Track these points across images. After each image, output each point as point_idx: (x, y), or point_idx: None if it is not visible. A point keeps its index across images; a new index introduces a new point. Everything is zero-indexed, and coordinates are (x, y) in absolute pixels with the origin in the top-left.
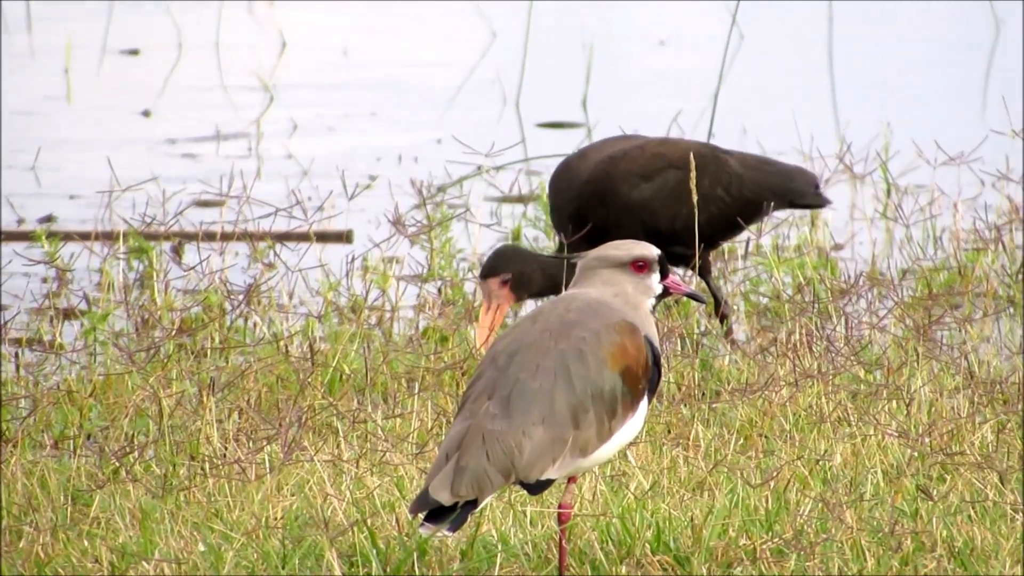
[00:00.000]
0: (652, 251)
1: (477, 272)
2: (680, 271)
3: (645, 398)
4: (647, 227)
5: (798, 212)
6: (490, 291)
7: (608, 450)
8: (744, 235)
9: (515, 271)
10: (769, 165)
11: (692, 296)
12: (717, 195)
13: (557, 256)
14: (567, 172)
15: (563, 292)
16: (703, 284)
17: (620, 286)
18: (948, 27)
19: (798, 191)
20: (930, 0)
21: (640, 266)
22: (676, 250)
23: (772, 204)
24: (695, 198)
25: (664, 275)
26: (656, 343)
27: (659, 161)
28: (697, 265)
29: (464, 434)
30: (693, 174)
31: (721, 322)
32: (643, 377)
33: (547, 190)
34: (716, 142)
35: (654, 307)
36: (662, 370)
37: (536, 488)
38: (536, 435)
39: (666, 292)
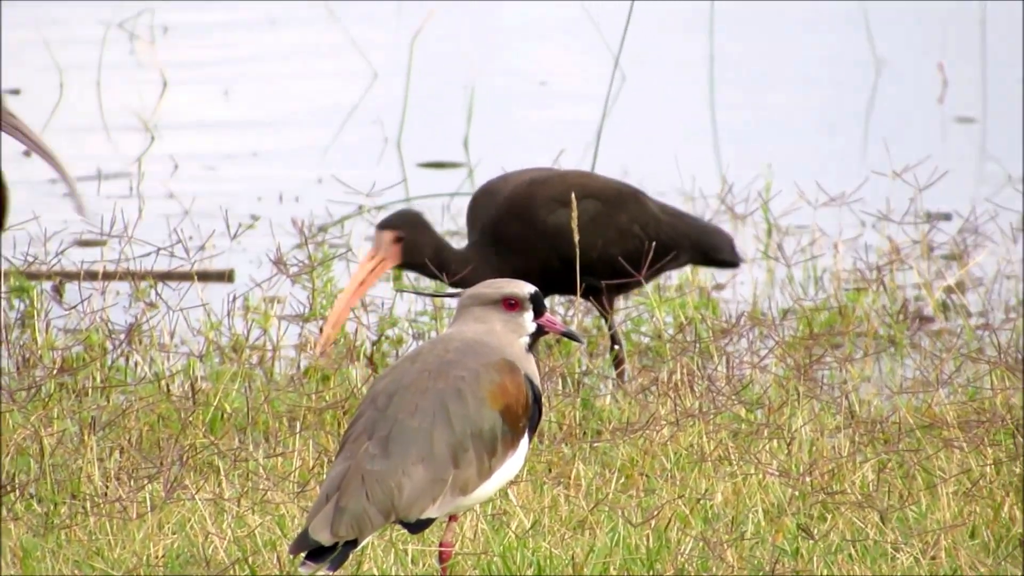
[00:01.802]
0: (524, 289)
1: (357, 312)
2: (562, 312)
3: (526, 436)
4: (560, 253)
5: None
6: (381, 242)
7: (489, 489)
8: (636, 287)
9: (412, 234)
10: (688, 218)
11: (568, 335)
12: (634, 232)
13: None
14: (488, 191)
15: (447, 285)
16: (600, 320)
17: (490, 324)
18: (829, 68)
19: (714, 245)
20: (812, 41)
21: (511, 304)
22: (588, 280)
23: (686, 254)
24: (576, 237)
25: (539, 313)
26: (536, 381)
27: (579, 190)
28: (602, 301)
29: (344, 474)
30: (575, 212)
31: (611, 355)
32: (523, 415)
33: (467, 209)
34: None
35: (531, 345)
36: (543, 408)
37: (416, 527)
38: (416, 475)
39: (541, 330)
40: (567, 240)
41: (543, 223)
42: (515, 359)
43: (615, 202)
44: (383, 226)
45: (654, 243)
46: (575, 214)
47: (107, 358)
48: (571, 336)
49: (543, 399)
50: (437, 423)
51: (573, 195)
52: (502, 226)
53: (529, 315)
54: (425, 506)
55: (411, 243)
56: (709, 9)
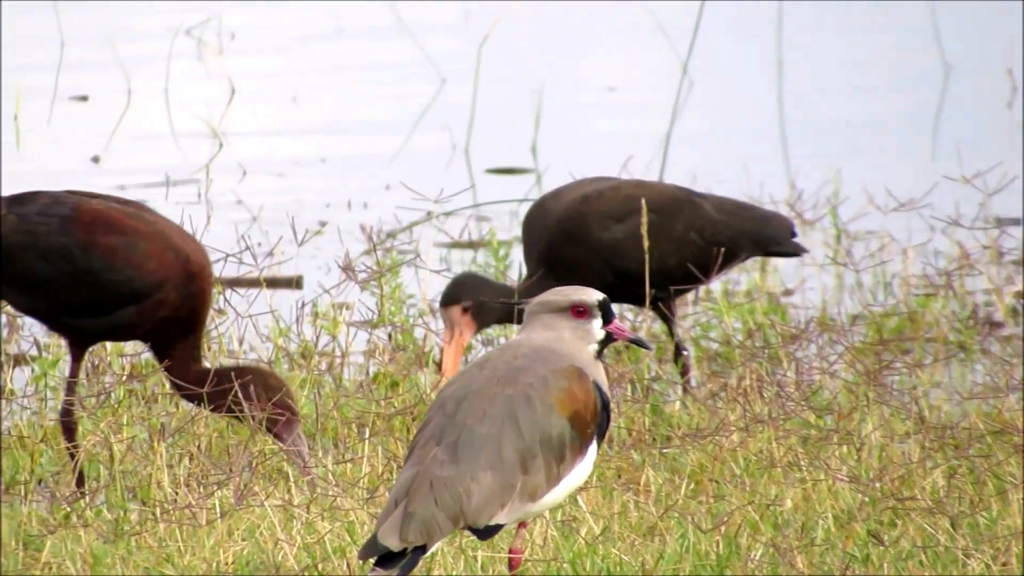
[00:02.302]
0: (593, 296)
1: (426, 318)
2: (631, 317)
3: (594, 443)
4: (616, 268)
5: (748, 260)
6: (452, 320)
7: (557, 495)
8: (698, 286)
9: (476, 299)
10: (745, 211)
11: (636, 342)
12: (691, 239)
13: (506, 303)
14: (540, 211)
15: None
16: (665, 327)
17: (559, 331)
18: (898, 73)
19: (773, 238)
20: (880, 46)
21: (580, 311)
22: (642, 292)
23: (745, 252)
24: (646, 243)
25: (607, 320)
26: (605, 388)
27: (632, 203)
28: (662, 308)
29: (413, 480)
30: (645, 217)
31: (676, 362)
32: (592, 422)
33: (522, 229)
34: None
35: (600, 352)
36: (611, 414)
37: (485, 533)
38: (484, 481)
39: (609, 337)
40: (623, 255)
41: (598, 241)
42: (584, 366)
43: (669, 211)
44: (447, 303)
45: (713, 247)
46: (645, 227)
47: None
48: (639, 343)
49: (612, 405)
50: (506, 429)
51: (644, 203)
52: (556, 250)
53: (598, 322)
54: (494, 512)
55: (479, 308)
56: (777, 15)
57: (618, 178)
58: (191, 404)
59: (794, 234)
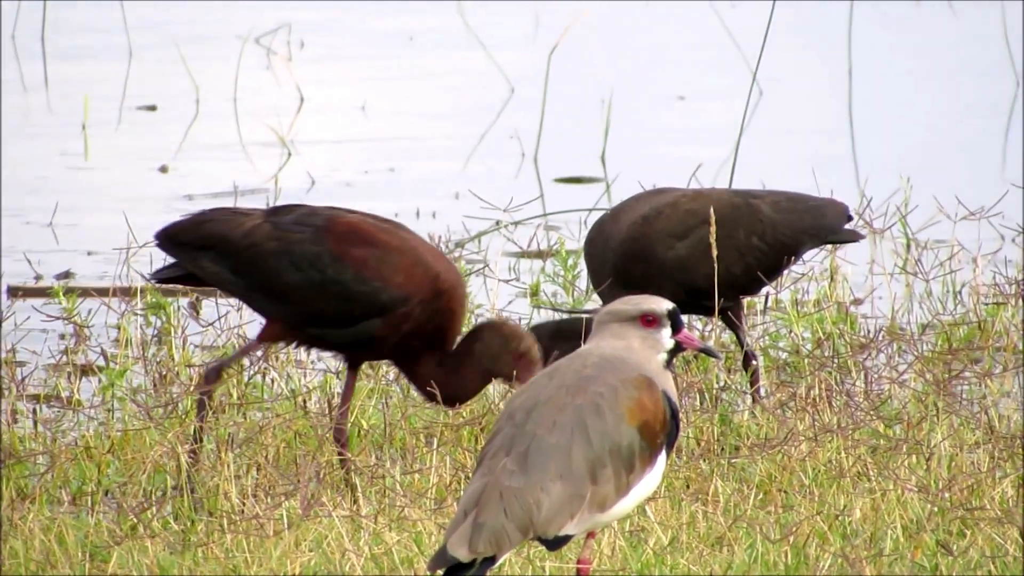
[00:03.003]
0: (662, 305)
1: None
2: (699, 326)
3: (663, 452)
4: (684, 285)
5: (817, 268)
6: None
7: (626, 505)
8: (765, 288)
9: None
10: (800, 203)
11: (706, 351)
12: (753, 245)
13: (576, 311)
14: (601, 235)
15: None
16: (734, 336)
17: (628, 340)
18: (968, 82)
19: (830, 227)
20: (951, 54)
21: (649, 320)
22: (711, 303)
23: (808, 246)
24: (715, 252)
25: (677, 329)
26: (674, 397)
27: (692, 218)
28: (730, 317)
29: (482, 491)
30: (713, 228)
31: (746, 370)
32: (661, 432)
33: (583, 254)
34: None
35: (669, 361)
36: (680, 424)
37: (555, 544)
38: (554, 491)
39: (679, 347)
40: (690, 272)
41: (663, 261)
42: (653, 375)
43: (730, 221)
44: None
45: (776, 249)
46: (714, 238)
47: (244, 375)
48: (709, 352)
49: (681, 415)
50: (575, 439)
51: (711, 214)
52: (622, 273)
53: (667, 331)
54: (563, 523)
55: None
56: (847, 23)
57: (672, 189)
58: (441, 405)
59: (850, 218)
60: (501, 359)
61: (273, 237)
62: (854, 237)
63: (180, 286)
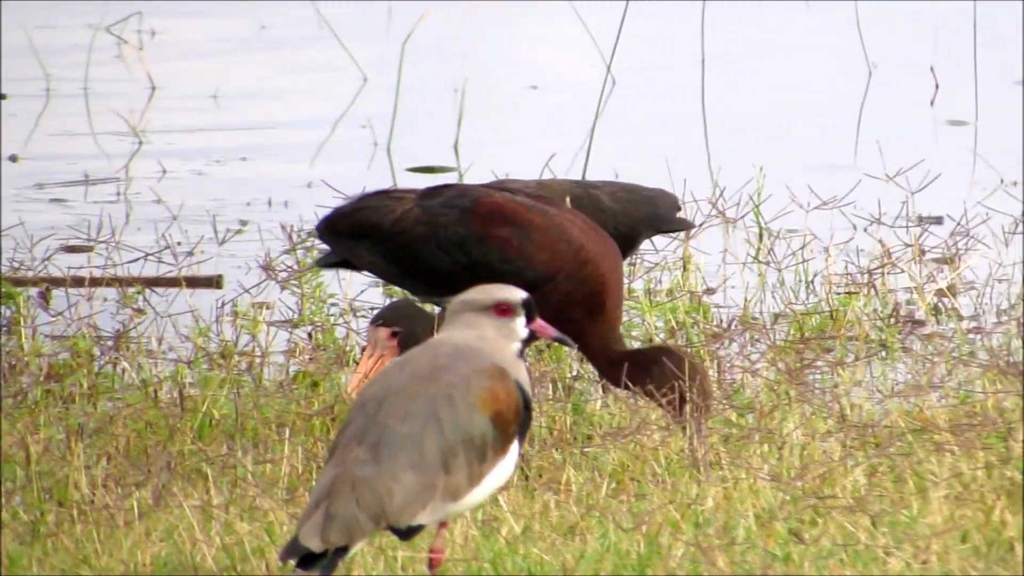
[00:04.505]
0: (516, 294)
1: (347, 317)
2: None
3: (516, 442)
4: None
5: (671, 258)
6: (377, 339)
7: (479, 495)
8: None
9: (407, 328)
10: (635, 193)
11: (559, 340)
12: None
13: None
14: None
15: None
16: None
17: (482, 330)
18: (820, 71)
19: (664, 217)
20: (803, 44)
21: (503, 310)
22: None
23: (644, 236)
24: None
25: (530, 319)
26: (527, 387)
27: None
28: None
29: (334, 481)
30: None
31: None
32: (514, 421)
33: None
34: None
35: (522, 351)
36: (533, 414)
37: (407, 534)
38: (406, 481)
39: (532, 336)
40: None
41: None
42: (506, 365)
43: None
44: (378, 323)
45: (617, 240)
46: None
47: (94, 365)
48: (562, 341)
49: (534, 404)
50: (428, 429)
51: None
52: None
53: (521, 320)
54: (415, 512)
55: (407, 337)
56: (700, 13)
57: (516, 181)
58: (616, 387)
59: (679, 208)
60: (671, 384)
61: (421, 221)
62: (686, 226)
63: (30, 275)
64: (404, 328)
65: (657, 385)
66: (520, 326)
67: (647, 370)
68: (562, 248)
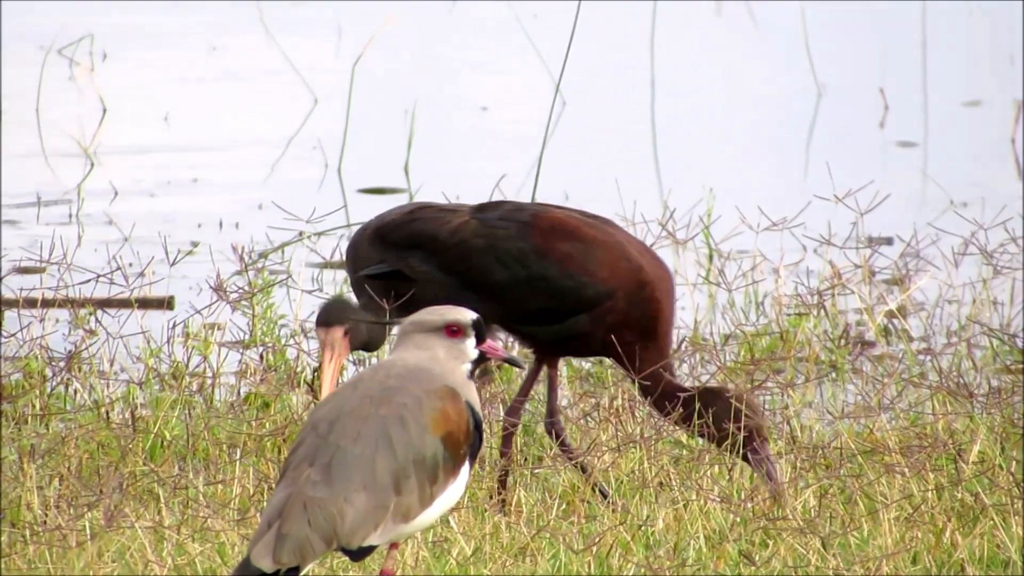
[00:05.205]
0: (467, 316)
1: (298, 338)
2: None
3: (467, 463)
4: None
5: None
6: (331, 341)
7: (430, 515)
8: None
9: (353, 323)
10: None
11: (509, 361)
12: None
13: (378, 321)
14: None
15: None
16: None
17: (433, 350)
18: (771, 93)
19: None
20: (753, 65)
21: (454, 331)
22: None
23: None
24: None
25: (480, 340)
26: (478, 408)
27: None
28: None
29: (285, 501)
30: None
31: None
32: (465, 442)
33: (347, 257)
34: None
35: (473, 372)
36: (484, 435)
37: (358, 554)
38: (358, 501)
39: (483, 357)
40: None
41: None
42: (456, 386)
43: None
44: (328, 323)
45: None
46: None
47: (46, 385)
48: (512, 361)
49: (484, 426)
50: (379, 450)
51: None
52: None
53: (471, 341)
54: (367, 533)
55: (353, 331)
56: (650, 35)
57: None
58: (661, 416)
59: None
60: (723, 426)
61: (479, 234)
62: None
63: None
64: (351, 324)
65: (717, 424)
66: (470, 347)
67: (706, 408)
68: (622, 266)
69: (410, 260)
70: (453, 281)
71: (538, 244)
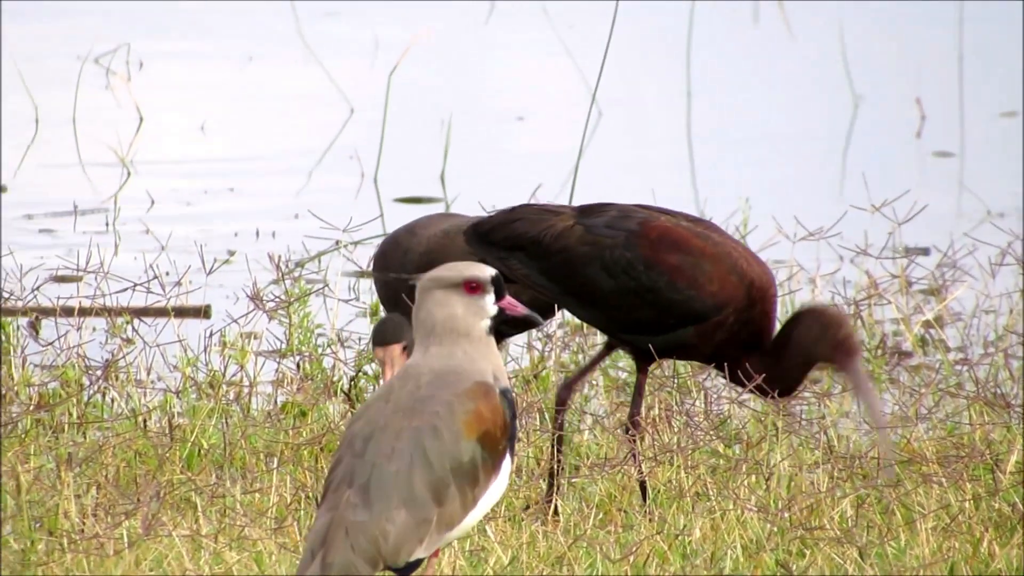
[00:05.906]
0: (486, 272)
1: (334, 347)
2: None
3: (508, 456)
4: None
5: None
6: (393, 357)
7: (476, 516)
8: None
9: (409, 339)
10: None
11: (528, 319)
12: None
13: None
14: (398, 248)
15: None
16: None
17: (452, 308)
18: (806, 102)
19: None
20: (789, 75)
21: (473, 287)
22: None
23: None
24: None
25: (500, 296)
26: (504, 380)
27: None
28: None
29: (328, 528)
30: None
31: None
32: (502, 437)
33: (374, 266)
34: None
35: (491, 328)
36: (517, 413)
37: (406, 570)
38: (399, 519)
39: (502, 313)
40: None
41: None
42: (484, 376)
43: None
44: (391, 342)
45: None
46: None
47: (84, 394)
48: (530, 319)
49: (520, 434)
50: (415, 464)
51: None
52: None
53: (491, 298)
54: (412, 549)
55: (411, 345)
56: (686, 44)
57: (464, 215)
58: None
59: None
60: (819, 346)
61: (585, 241)
62: None
63: (19, 305)
64: (408, 340)
65: (803, 346)
66: (490, 303)
67: (789, 345)
68: (732, 280)
69: (510, 261)
70: (556, 287)
71: (646, 255)
